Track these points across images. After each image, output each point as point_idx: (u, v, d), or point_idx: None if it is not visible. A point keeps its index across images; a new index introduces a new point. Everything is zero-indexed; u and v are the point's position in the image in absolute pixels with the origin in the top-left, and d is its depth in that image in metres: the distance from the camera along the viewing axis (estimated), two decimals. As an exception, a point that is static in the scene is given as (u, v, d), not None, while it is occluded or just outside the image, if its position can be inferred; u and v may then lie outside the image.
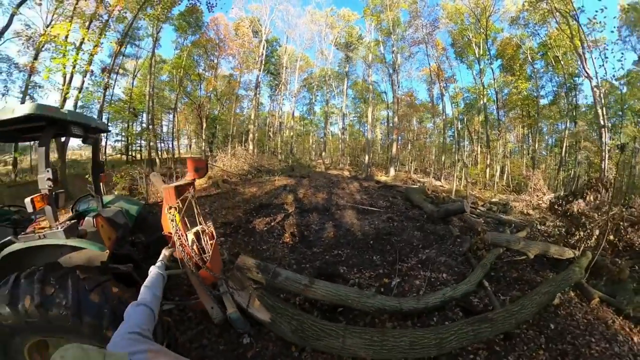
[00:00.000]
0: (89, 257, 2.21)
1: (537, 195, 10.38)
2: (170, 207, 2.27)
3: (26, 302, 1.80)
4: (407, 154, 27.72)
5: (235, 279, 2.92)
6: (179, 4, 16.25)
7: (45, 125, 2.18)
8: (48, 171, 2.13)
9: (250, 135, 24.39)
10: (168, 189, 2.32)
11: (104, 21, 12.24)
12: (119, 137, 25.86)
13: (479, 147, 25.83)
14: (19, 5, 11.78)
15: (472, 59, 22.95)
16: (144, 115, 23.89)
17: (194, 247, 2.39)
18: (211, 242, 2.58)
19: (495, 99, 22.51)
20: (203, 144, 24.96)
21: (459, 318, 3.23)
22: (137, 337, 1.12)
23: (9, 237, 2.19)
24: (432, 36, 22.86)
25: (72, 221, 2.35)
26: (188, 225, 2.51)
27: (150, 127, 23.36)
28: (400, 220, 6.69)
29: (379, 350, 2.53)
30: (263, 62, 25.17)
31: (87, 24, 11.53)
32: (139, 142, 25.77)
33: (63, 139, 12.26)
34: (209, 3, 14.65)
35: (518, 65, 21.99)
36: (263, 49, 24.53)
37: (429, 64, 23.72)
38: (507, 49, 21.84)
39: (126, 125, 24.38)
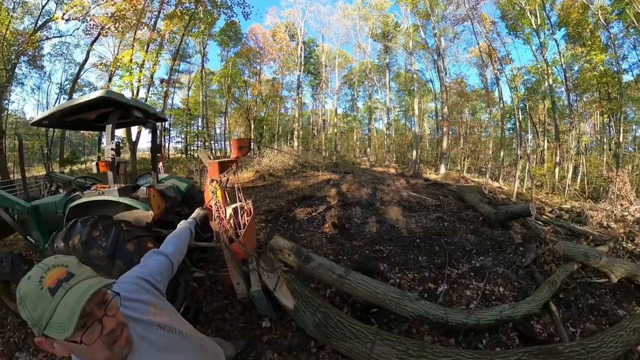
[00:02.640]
0: (136, 216, 2.61)
1: (622, 204, 8.15)
2: (213, 180, 2.40)
3: (76, 239, 2.24)
4: (459, 150, 25.22)
5: (267, 259, 2.90)
6: (218, 18, 18.55)
7: (112, 110, 2.74)
8: (112, 142, 2.66)
9: (295, 134, 25.50)
10: (213, 164, 2.49)
11: (158, 43, 15.25)
12: (179, 139, 30.73)
13: (545, 141, 22.21)
14: (92, 43, 16.05)
15: (529, 32, 18.85)
16: (199, 120, 28.23)
17: (231, 221, 2.47)
18: (247, 218, 2.65)
19: (563, 78, 18.13)
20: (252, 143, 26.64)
21: (514, 345, 2.69)
22: (145, 285, 1.07)
23: (77, 193, 2.76)
24: (476, 10, 19.53)
25: (127, 185, 2.84)
26: (228, 200, 2.59)
27: (205, 129, 26.51)
28: (452, 221, 6.11)
29: (412, 367, 2.14)
30: (302, 63, 26.39)
31: (145, 47, 14.50)
32: (196, 142, 29.56)
33: (134, 138, 14.22)
34: (244, 12, 16.04)
35: (588, 31, 17.08)
36: (301, 50, 25.78)
37: (478, 44, 20.66)
38: (571, 12, 16.93)
39: (185, 128, 28.52)
